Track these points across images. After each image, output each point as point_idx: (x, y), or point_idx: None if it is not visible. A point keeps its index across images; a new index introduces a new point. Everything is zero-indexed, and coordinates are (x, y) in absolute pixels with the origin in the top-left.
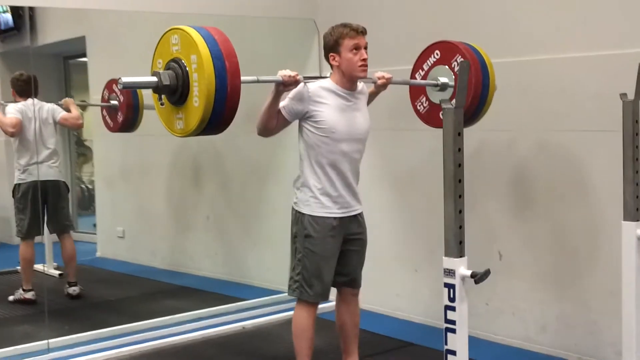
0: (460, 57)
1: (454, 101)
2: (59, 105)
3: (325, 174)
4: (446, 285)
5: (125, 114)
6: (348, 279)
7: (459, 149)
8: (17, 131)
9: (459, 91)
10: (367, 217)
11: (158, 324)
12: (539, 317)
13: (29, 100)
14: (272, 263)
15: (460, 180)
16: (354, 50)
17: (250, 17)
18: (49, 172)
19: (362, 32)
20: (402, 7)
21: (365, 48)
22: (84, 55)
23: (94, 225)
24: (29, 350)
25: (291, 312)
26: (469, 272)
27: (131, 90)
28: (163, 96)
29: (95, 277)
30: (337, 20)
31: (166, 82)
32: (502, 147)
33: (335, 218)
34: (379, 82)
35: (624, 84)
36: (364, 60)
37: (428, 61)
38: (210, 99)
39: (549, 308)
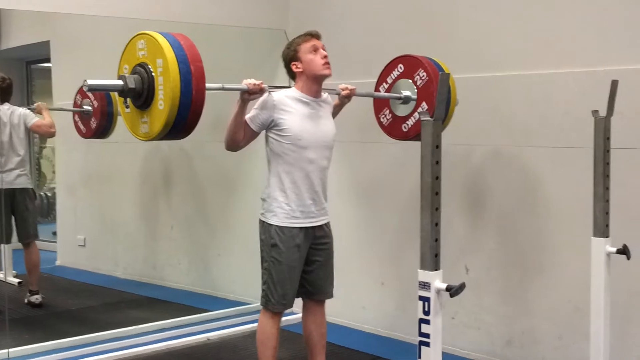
0: (422, 71)
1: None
2: (31, 109)
3: (292, 183)
4: (421, 298)
5: (100, 120)
6: (313, 289)
7: (437, 162)
8: None
9: (438, 103)
10: (333, 228)
11: (121, 335)
12: (504, 331)
13: (4, 105)
14: (236, 274)
15: (437, 193)
16: (313, 52)
17: (220, 26)
18: (18, 179)
19: (316, 35)
20: (371, 20)
21: (324, 49)
22: (48, 60)
23: (53, 233)
24: None
25: (256, 324)
26: (444, 285)
27: (105, 95)
28: (129, 100)
29: (56, 286)
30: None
31: (132, 85)
32: (469, 162)
33: (301, 228)
34: (343, 93)
35: (593, 101)
36: (325, 57)
37: (392, 74)
38: (175, 102)
39: (514, 323)
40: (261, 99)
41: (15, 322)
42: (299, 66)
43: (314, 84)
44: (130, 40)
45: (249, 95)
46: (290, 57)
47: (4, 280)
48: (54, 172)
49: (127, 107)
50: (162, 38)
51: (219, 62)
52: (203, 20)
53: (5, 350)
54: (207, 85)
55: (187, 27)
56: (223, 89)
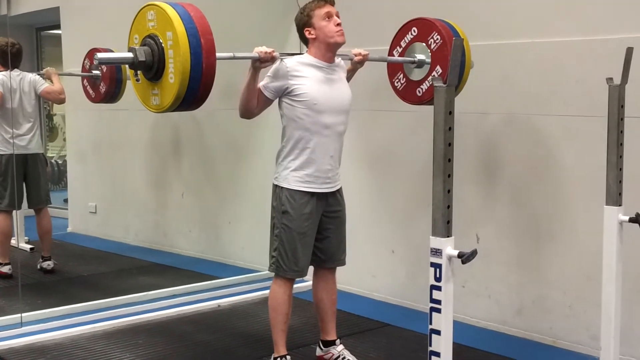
0: (437, 34)
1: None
2: (40, 75)
3: (306, 147)
4: (432, 265)
5: (108, 85)
6: (325, 257)
7: (450, 128)
8: None
9: (451, 69)
10: (344, 197)
11: (132, 300)
12: (515, 300)
13: (14, 71)
14: (246, 241)
15: (449, 160)
16: (327, 19)
17: None
18: (29, 145)
19: (330, 1)
20: None
21: (338, 16)
22: (57, 27)
23: (65, 200)
24: (2, 323)
25: (266, 291)
26: (455, 252)
27: None
28: (139, 72)
29: (68, 252)
30: None
31: (142, 58)
32: (481, 130)
33: (313, 194)
34: (356, 58)
35: (605, 70)
36: (339, 25)
37: (405, 38)
38: (185, 76)
39: (525, 291)
40: (274, 66)
41: (27, 287)
42: (312, 32)
43: (327, 51)
44: (139, 11)
45: (260, 63)
46: (303, 22)
47: (16, 246)
48: (64, 140)
49: (137, 79)
50: (172, 10)
51: (229, 30)
52: None
53: (18, 315)
54: (218, 54)
55: None
56: (234, 57)
